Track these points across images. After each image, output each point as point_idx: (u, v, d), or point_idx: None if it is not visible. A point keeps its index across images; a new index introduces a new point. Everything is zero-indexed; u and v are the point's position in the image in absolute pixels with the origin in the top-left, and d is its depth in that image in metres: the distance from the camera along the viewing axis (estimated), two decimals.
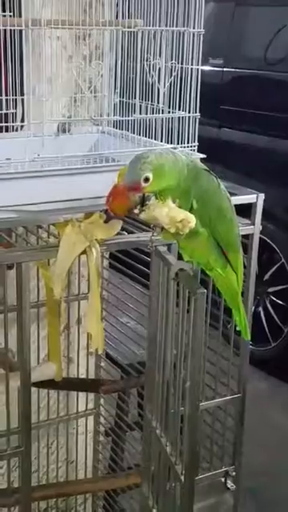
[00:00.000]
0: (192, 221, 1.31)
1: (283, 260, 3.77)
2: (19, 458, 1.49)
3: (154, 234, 1.42)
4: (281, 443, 3.20)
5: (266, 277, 3.84)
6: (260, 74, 4.09)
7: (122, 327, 2.30)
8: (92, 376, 2.29)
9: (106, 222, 1.47)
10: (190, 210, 1.33)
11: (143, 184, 1.26)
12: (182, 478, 1.43)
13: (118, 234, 1.52)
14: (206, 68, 3.98)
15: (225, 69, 4.12)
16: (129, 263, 2.11)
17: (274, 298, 3.84)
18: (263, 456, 2.98)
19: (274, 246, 3.74)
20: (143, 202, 1.28)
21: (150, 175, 1.26)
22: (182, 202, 1.33)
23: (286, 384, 3.72)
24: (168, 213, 1.30)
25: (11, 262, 1.46)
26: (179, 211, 1.31)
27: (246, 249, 1.65)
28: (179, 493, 1.49)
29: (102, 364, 2.32)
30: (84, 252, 1.46)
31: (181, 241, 1.39)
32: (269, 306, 3.84)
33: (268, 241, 3.69)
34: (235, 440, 1.76)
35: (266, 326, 3.85)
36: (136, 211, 1.29)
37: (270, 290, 3.84)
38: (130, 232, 1.57)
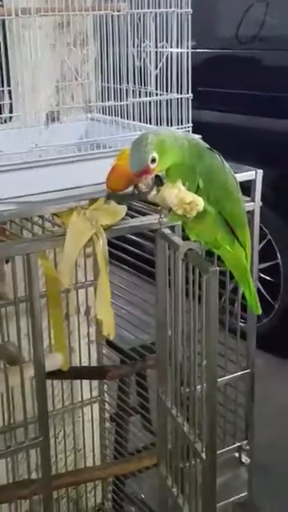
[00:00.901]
0: (200, 203, 1.32)
1: (269, 236, 3.80)
2: (39, 448, 1.49)
3: (162, 215, 1.42)
4: (281, 419, 3.25)
5: None
6: (232, 53, 4.10)
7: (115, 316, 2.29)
8: (95, 364, 2.29)
9: (107, 199, 1.47)
10: (197, 190, 1.34)
11: (151, 165, 1.26)
12: (203, 454, 1.45)
13: (122, 219, 1.52)
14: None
15: (198, 50, 4.11)
16: (118, 250, 2.13)
17: (263, 275, 3.87)
18: (266, 432, 3.01)
19: (260, 222, 3.75)
20: (160, 181, 1.28)
21: (156, 155, 1.26)
22: (189, 182, 1.33)
23: (279, 358, 3.77)
24: (177, 194, 1.30)
25: (19, 253, 1.45)
26: (188, 193, 1.32)
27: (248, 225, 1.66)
28: (200, 470, 1.50)
29: (104, 351, 2.32)
30: (90, 240, 1.47)
31: (188, 221, 1.40)
32: (258, 282, 3.86)
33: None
34: (247, 414, 1.78)
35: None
36: (153, 193, 1.29)
37: (259, 266, 3.86)
38: (132, 217, 1.58)
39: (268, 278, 3.87)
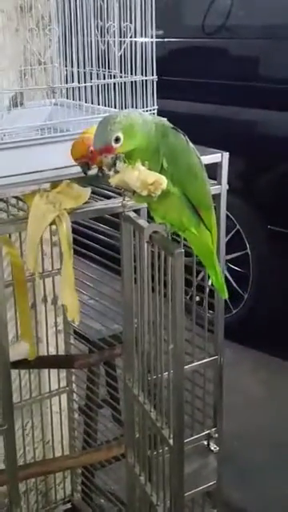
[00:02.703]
0: (163, 182, 1.29)
1: (238, 227, 3.80)
2: (3, 436, 1.46)
3: (126, 198, 1.39)
4: (248, 408, 3.25)
5: None
6: (198, 42, 4.09)
7: (83, 306, 2.27)
8: (62, 354, 2.25)
9: (84, 172, 1.46)
10: (161, 170, 1.32)
11: (114, 145, 1.24)
12: (171, 441, 1.42)
13: (87, 203, 1.49)
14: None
15: (165, 39, 4.09)
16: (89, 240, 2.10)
17: (232, 266, 3.87)
18: (233, 422, 3.01)
19: (228, 212, 3.74)
20: (115, 163, 1.25)
21: (121, 135, 1.24)
22: (152, 162, 1.31)
23: (249, 349, 3.77)
24: (138, 176, 1.28)
25: None
26: (149, 173, 1.29)
27: (215, 209, 1.64)
28: (168, 457, 1.48)
29: (72, 341, 2.29)
30: (53, 223, 1.43)
31: (153, 203, 1.37)
32: (227, 273, 3.87)
33: None
34: (215, 402, 1.76)
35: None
36: (110, 173, 1.26)
37: (227, 257, 3.87)
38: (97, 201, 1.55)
39: (237, 268, 3.87)
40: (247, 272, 3.84)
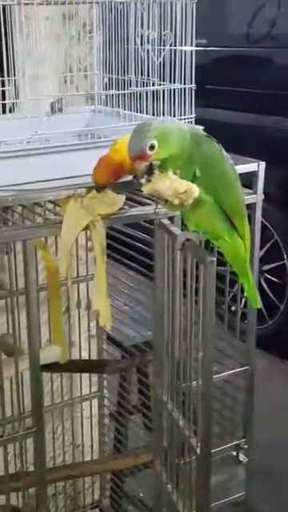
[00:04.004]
0: (195, 190, 1.29)
1: (276, 237, 3.77)
2: (33, 439, 1.47)
3: (158, 206, 1.39)
4: (283, 420, 3.21)
5: (260, 254, 3.82)
6: (243, 51, 4.08)
7: (117, 312, 2.28)
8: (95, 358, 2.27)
9: (97, 191, 1.45)
10: (194, 179, 1.31)
11: (149, 152, 1.24)
12: (198, 449, 1.42)
13: (121, 209, 1.49)
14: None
15: (209, 48, 4.09)
16: (116, 248, 2.10)
17: (269, 276, 3.84)
18: (267, 432, 2.98)
19: (267, 223, 3.73)
20: (151, 171, 1.26)
21: (155, 142, 1.24)
22: (185, 170, 1.31)
23: (283, 361, 3.73)
24: (170, 184, 1.28)
25: (15, 239, 1.43)
26: (181, 182, 1.29)
27: (250, 218, 1.63)
28: (195, 466, 1.47)
29: (104, 346, 2.30)
30: (86, 228, 1.44)
31: (186, 211, 1.37)
32: (264, 283, 3.84)
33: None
34: (245, 412, 1.75)
35: (261, 303, 3.84)
36: (143, 181, 1.26)
37: (265, 267, 3.84)
38: (133, 207, 1.55)
39: (274, 279, 3.83)
40: (284, 283, 3.80)
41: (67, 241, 1.40)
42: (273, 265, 3.82)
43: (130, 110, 1.82)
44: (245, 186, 1.63)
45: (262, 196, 1.64)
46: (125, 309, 2.30)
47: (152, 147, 1.24)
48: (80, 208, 1.41)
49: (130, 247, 2.15)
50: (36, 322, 1.46)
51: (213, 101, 4.07)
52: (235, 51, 4.16)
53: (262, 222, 3.81)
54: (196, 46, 4.35)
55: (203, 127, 1.70)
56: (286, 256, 3.77)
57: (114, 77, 1.88)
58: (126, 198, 1.54)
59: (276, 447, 2.97)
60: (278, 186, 3.68)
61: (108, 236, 1.88)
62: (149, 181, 1.26)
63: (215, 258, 1.30)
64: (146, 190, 1.31)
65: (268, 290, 3.83)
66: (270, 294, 3.83)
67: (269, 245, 3.79)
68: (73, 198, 1.43)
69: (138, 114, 1.81)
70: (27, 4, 1.57)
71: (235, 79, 4.07)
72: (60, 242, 1.41)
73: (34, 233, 1.40)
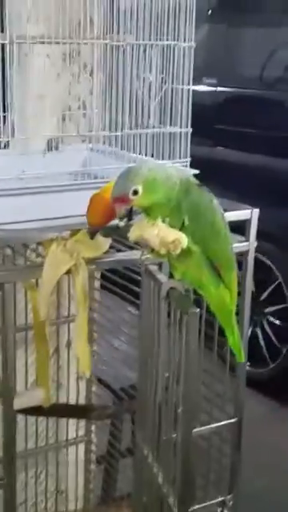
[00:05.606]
0: (183, 241, 1.25)
1: (280, 279, 3.71)
2: (3, 491, 1.41)
3: (144, 253, 1.35)
4: (280, 468, 3.11)
5: (263, 296, 3.77)
6: (253, 93, 4.08)
7: (114, 350, 2.23)
8: (83, 401, 2.20)
9: (90, 237, 1.41)
10: (182, 227, 1.28)
11: (131, 197, 1.21)
12: (175, 510, 1.35)
13: (107, 252, 1.46)
14: (201, 88, 3.98)
15: (218, 88, 4.10)
16: (121, 284, 2.05)
17: (272, 318, 3.78)
18: (262, 481, 2.89)
19: (271, 264, 3.68)
20: (130, 215, 1.22)
21: (140, 188, 1.21)
22: (173, 218, 1.27)
23: (284, 406, 3.64)
24: (158, 233, 1.24)
25: None
26: (170, 231, 1.25)
27: (241, 267, 1.59)
28: None
29: (94, 389, 2.24)
30: (69, 272, 1.40)
31: (172, 259, 1.33)
32: (266, 326, 3.77)
33: (264, 260, 3.64)
34: (232, 467, 1.68)
35: (263, 346, 3.77)
36: (121, 223, 1.23)
37: (268, 309, 3.77)
38: (119, 250, 1.52)
39: (277, 321, 3.77)
40: (287, 326, 3.73)
41: (47, 285, 1.36)
42: (276, 307, 3.75)
43: (128, 150, 1.80)
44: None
45: (255, 244, 1.60)
46: (122, 348, 2.25)
47: (135, 192, 1.22)
48: (62, 252, 1.37)
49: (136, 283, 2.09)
50: (12, 365, 1.41)
51: (221, 140, 4.06)
52: (245, 92, 4.16)
53: (267, 264, 3.79)
54: (206, 85, 4.37)
55: (198, 171, 1.68)
56: None
57: (112, 116, 1.86)
58: (114, 240, 1.51)
59: (271, 497, 2.87)
60: (285, 229, 3.64)
61: (114, 272, 1.83)
62: (128, 225, 1.23)
63: (198, 310, 1.25)
64: (132, 237, 1.27)
65: (270, 333, 3.77)
66: (273, 337, 3.76)
67: (273, 286, 3.73)
68: (56, 240, 1.39)
69: (134, 155, 1.78)
70: (20, 43, 1.54)
71: (245, 120, 4.06)
72: (40, 286, 1.37)
73: (15, 276, 1.37)
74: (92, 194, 1.41)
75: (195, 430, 1.53)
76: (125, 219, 1.23)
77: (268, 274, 3.74)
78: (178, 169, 1.42)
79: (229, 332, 1.41)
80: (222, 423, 1.64)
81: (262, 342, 3.78)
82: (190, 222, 1.28)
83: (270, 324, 3.78)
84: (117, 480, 2.25)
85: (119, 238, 1.52)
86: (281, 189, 3.70)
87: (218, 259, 1.33)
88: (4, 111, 1.89)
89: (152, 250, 1.31)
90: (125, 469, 2.24)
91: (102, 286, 2.27)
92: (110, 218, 1.38)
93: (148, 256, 1.39)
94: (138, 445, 1.56)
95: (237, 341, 1.41)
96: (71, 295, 2.10)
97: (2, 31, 1.67)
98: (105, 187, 1.42)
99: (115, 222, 1.47)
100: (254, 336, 3.74)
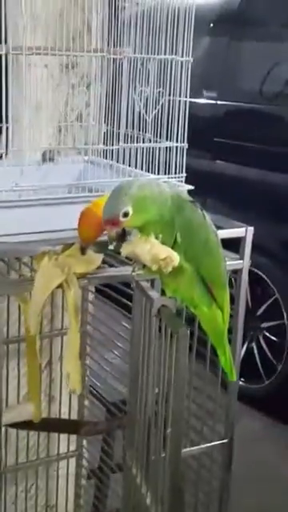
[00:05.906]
0: (175, 259, 1.23)
1: (277, 295, 3.68)
2: None
3: (136, 269, 1.34)
4: (273, 486, 3.08)
5: (259, 312, 3.75)
6: (253, 107, 4.07)
7: (107, 364, 2.20)
8: (75, 415, 2.18)
9: (82, 252, 1.39)
10: (174, 244, 1.26)
11: (122, 219, 1.19)
12: None
13: (100, 267, 1.44)
14: (201, 101, 3.97)
15: (218, 101, 4.09)
16: (115, 297, 2.03)
17: (268, 334, 3.75)
18: (255, 500, 2.85)
19: (268, 280, 3.66)
20: (123, 236, 1.20)
21: (130, 210, 1.19)
22: (166, 235, 1.25)
23: (278, 423, 3.60)
24: (150, 250, 1.22)
25: None
26: (162, 248, 1.23)
27: (234, 284, 1.57)
28: None
29: (86, 403, 2.21)
30: (60, 287, 1.38)
31: (164, 276, 1.31)
32: (262, 341, 3.75)
33: (261, 275, 3.62)
34: (221, 489, 1.65)
35: (259, 362, 3.74)
36: (111, 247, 1.21)
37: (264, 325, 3.75)
38: (112, 266, 1.50)
39: (273, 337, 3.74)
40: (283, 342, 3.70)
41: (37, 300, 1.34)
42: (272, 323, 3.73)
43: (124, 162, 1.78)
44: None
45: (249, 262, 1.58)
46: (115, 362, 2.22)
47: (126, 214, 1.20)
48: (54, 266, 1.35)
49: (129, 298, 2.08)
50: (1, 379, 1.39)
51: (221, 154, 4.05)
52: (244, 106, 4.15)
53: (264, 279, 3.76)
54: (206, 98, 4.36)
55: (193, 187, 1.67)
56: (286, 315, 3.68)
57: (108, 129, 1.85)
58: (107, 255, 1.49)
59: None
60: (282, 244, 3.62)
61: (110, 286, 1.81)
62: (120, 246, 1.21)
63: (188, 331, 1.23)
64: (124, 252, 1.26)
65: (266, 349, 3.74)
66: (268, 353, 3.73)
67: (269, 302, 3.71)
68: (47, 254, 1.38)
69: (129, 168, 1.77)
70: (16, 54, 1.53)
71: (244, 134, 4.06)
72: (31, 301, 1.35)
73: (4, 290, 1.35)
74: (83, 209, 1.39)
75: (185, 450, 1.51)
76: (115, 242, 1.21)
77: (264, 290, 3.72)
78: (171, 184, 1.40)
79: (221, 352, 1.39)
80: (213, 444, 1.61)
81: (257, 358, 3.75)
82: (182, 239, 1.26)
83: (266, 340, 3.75)
84: (107, 496, 2.22)
85: (111, 253, 1.50)
86: (279, 203, 3.69)
87: (211, 278, 1.31)
88: (0, 122, 1.88)
89: (144, 266, 1.29)
90: (116, 484, 2.22)
91: (96, 299, 2.25)
92: (101, 233, 1.37)
93: (140, 272, 1.37)
94: (127, 463, 1.54)
95: (228, 361, 1.39)
96: (65, 308, 2.08)
97: (0, 42, 1.66)
98: (95, 202, 1.41)
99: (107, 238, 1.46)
100: (249, 352, 3.71)
